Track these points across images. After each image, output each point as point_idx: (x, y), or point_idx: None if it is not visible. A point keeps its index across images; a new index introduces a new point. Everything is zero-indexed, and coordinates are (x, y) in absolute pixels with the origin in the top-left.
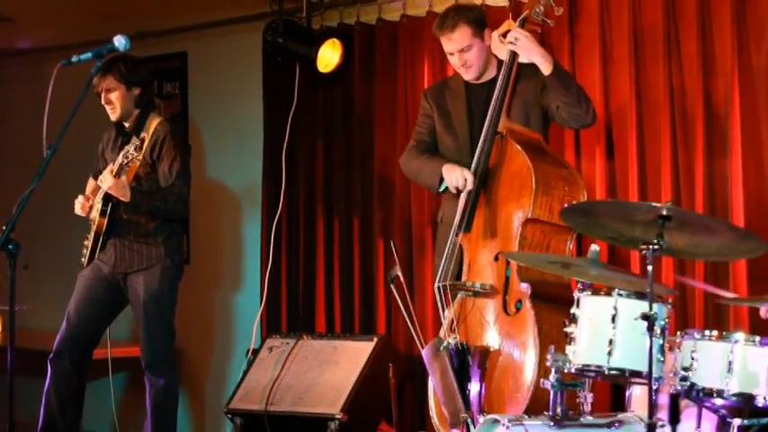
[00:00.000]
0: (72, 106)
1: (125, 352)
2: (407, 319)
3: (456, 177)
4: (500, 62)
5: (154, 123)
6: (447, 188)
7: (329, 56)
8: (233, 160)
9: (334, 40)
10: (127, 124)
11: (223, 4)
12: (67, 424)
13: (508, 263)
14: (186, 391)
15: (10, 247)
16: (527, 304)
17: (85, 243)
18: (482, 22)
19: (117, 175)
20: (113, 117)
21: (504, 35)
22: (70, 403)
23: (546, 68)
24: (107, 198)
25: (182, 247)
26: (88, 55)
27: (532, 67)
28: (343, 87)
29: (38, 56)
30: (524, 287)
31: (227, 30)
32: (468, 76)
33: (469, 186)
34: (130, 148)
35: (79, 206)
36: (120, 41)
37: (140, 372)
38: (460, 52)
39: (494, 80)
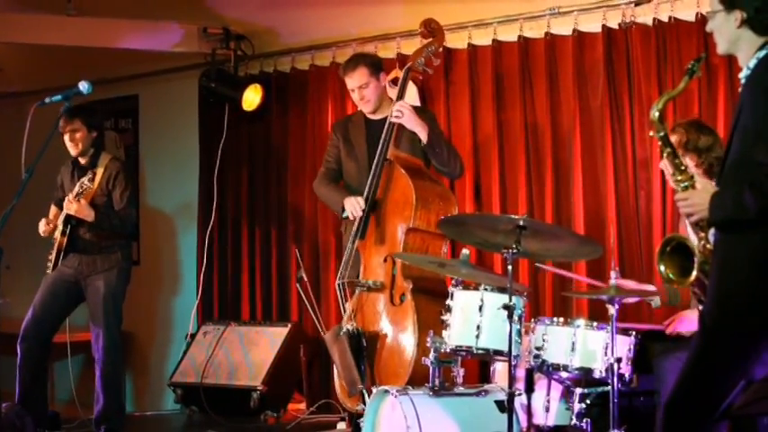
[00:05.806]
0: (44, 139)
1: (82, 337)
2: (312, 313)
3: (353, 207)
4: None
5: (105, 160)
6: (347, 216)
7: (252, 98)
8: (174, 181)
9: (256, 85)
10: (83, 160)
11: (167, 56)
12: (38, 393)
13: (394, 263)
14: (135, 368)
15: None
16: (408, 297)
17: (49, 257)
18: (378, 65)
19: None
20: (74, 153)
21: (394, 81)
22: (38, 377)
23: (424, 137)
24: (67, 221)
25: (132, 253)
26: (58, 97)
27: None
28: (264, 123)
29: (21, 98)
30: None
31: (171, 77)
32: (366, 109)
33: (360, 212)
34: (85, 179)
35: (43, 228)
36: (83, 86)
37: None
38: (359, 88)
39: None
